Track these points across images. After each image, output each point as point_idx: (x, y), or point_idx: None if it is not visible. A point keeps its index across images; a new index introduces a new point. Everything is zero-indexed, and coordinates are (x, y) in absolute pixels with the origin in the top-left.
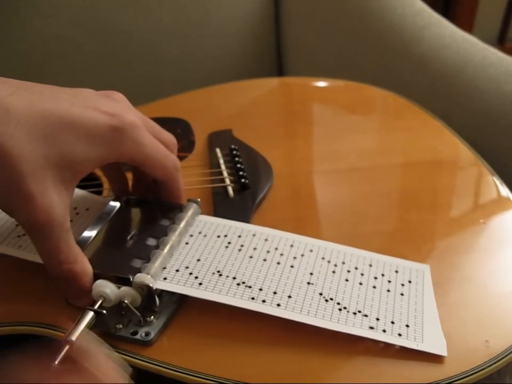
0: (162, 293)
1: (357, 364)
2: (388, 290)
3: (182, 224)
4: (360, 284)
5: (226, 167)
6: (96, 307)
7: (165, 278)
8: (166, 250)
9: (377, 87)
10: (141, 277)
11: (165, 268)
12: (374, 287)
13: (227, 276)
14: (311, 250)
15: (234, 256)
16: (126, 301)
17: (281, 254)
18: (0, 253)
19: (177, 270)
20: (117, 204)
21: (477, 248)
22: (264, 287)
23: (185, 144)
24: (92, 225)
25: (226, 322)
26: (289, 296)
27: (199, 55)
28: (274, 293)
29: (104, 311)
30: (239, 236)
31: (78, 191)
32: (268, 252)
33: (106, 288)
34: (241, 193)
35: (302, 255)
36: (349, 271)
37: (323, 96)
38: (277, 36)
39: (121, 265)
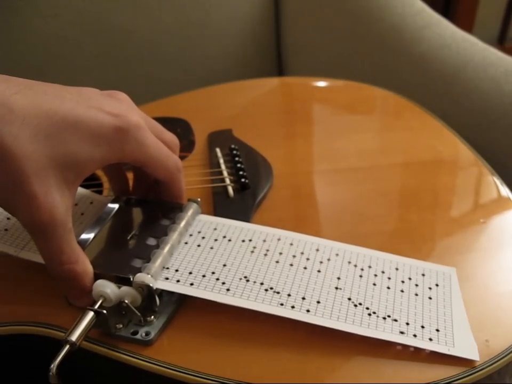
0: (162, 293)
1: (357, 364)
2: (416, 294)
3: (182, 223)
4: (388, 288)
5: (226, 167)
6: (96, 307)
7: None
8: (166, 250)
9: (377, 87)
10: (141, 277)
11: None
12: (402, 291)
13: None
14: (337, 254)
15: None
16: (126, 301)
17: (308, 259)
18: (0, 252)
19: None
20: (117, 204)
21: (477, 248)
22: (293, 292)
23: (185, 144)
24: (92, 225)
25: (227, 322)
26: (318, 302)
27: (199, 55)
28: (303, 298)
29: (105, 311)
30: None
31: (80, 190)
32: (294, 256)
33: (106, 288)
34: (241, 193)
35: (329, 260)
36: (376, 275)
37: (323, 96)
38: (277, 35)
39: (122, 265)
